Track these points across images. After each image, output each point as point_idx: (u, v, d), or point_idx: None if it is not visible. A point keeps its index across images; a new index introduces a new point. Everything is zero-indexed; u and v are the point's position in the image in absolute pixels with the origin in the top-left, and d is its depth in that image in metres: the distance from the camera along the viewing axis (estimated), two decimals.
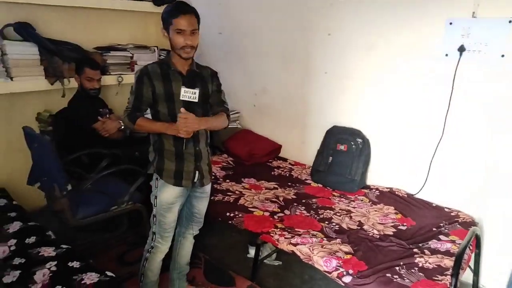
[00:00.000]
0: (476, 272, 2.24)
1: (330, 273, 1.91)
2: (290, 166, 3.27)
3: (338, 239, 2.14)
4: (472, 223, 2.31)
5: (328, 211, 2.49)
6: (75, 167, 2.46)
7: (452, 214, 2.41)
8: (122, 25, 3.41)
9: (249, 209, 2.45)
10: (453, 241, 2.12)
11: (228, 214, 2.40)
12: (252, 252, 2.53)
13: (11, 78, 2.54)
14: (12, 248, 1.79)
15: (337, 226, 2.30)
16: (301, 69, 3.18)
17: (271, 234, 2.18)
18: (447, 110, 2.42)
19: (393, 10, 2.56)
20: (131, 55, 3.27)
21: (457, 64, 2.33)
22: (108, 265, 2.14)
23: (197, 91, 1.77)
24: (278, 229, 2.22)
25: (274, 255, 2.57)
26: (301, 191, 2.78)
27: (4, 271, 1.64)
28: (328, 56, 2.98)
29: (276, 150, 3.46)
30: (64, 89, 2.78)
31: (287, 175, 3.09)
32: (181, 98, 1.75)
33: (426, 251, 2.05)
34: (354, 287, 1.83)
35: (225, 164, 3.24)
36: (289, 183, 2.91)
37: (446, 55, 2.38)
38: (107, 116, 2.76)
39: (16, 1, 2.61)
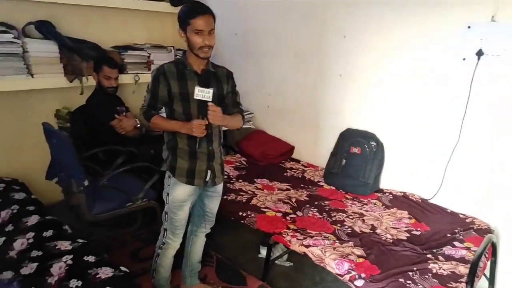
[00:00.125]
0: (491, 280, 2.21)
1: (342, 276, 1.90)
2: (303, 167, 3.27)
3: (350, 242, 2.13)
4: (488, 230, 2.27)
5: (340, 213, 2.48)
6: (91, 164, 2.50)
7: (467, 220, 2.37)
8: (140, 25, 3.47)
9: (262, 209, 2.46)
10: (468, 248, 2.09)
11: (240, 213, 2.41)
12: (263, 252, 2.54)
13: (32, 75, 2.60)
14: (30, 240, 1.83)
15: (349, 229, 2.29)
16: (315, 70, 3.18)
17: (283, 235, 2.18)
18: (464, 115, 2.38)
19: (410, 13, 2.54)
20: (148, 54, 3.32)
21: (475, 69, 2.30)
22: (122, 260, 2.17)
23: (211, 90, 1.78)
24: (290, 230, 2.22)
25: (286, 256, 2.57)
26: (314, 193, 2.78)
27: (22, 263, 1.68)
28: (343, 58, 2.97)
29: (289, 152, 3.47)
30: (83, 86, 2.83)
31: (300, 176, 3.08)
32: (194, 97, 1.76)
33: (440, 257, 2.03)
34: None
35: (238, 164, 3.26)
36: (302, 185, 2.91)
37: (464, 59, 2.34)
38: (124, 114, 2.81)
39: (38, 0, 2.68)
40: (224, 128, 2.08)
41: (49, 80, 2.71)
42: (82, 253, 1.73)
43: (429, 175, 2.62)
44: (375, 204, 2.64)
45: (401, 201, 2.65)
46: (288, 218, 2.37)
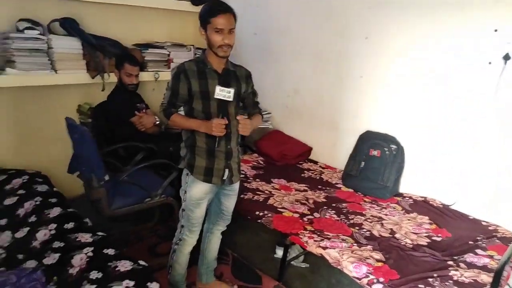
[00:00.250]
0: None
1: (359, 279, 1.88)
2: (321, 169, 3.24)
3: (369, 246, 2.10)
4: None
5: (358, 216, 2.45)
6: (112, 159, 2.54)
7: (490, 228, 2.31)
8: (161, 23, 3.50)
9: (278, 209, 2.45)
10: (491, 256, 2.04)
11: (257, 213, 2.41)
12: (279, 252, 2.53)
13: (56, 71, 2.66)
14: (52, 232, 1.86)
15: (368, 232, 2.26)
16: (335, 72, 3.15)
17: (300, 236, 2.17)
18: (489, 121, 2.32)
19: (434, 15, 2.49)
20: (168, 52, 3.35)
21: (501, 73, 2.24)
22: (140, 255, 2.18)
23: (232, 90, 1.80)
24: (307, 231, 2.20)
25: (302, 257, 2.55)
26: (332, 195, 2.75)
27: (45, 253, 1.71)
28: (364, 59, 2.94)
29: (306, 152, 3.44)
30: (104, 83, 2.88)
31: (318, 178, 3.06)
32: (215, 96, 1.78)
33: (462, 265, 1.98)
34: None
35: (255, 163, 3.25)
36: (319, 186, 2.88)
37: (490, 63, 2.29)
38: (144, 111, 2.84)
39: None
40: None
41: (72, 76, 2.77)
42: (102, 246, 1.76)
43: (451, 180, 2.57)
44: (394, 208, 2.60)
45: (422, 206, 2.61)
46: (305, 219, 2.36)
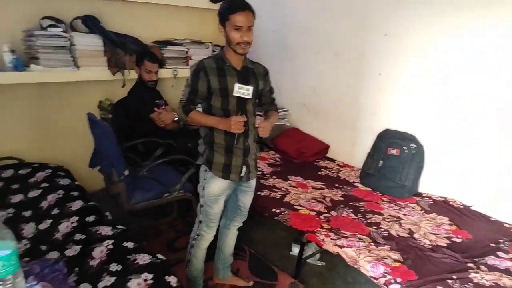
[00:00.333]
0: None
1: (376, 279, 1.86)
2: (338, 167, 3.22)
3: (386, 246, 2.07)
4: None
5: (376, 215, 2.42)
6: (131, 154, 2.58)
7: None
8: (180, 21, 3.53)
9: (295, 207, 2.44)
10: None
11: (274, 210, 2.41)
12: (295, 250, 2.53)
13: (78, 68, 2.72)
14: (74, 224, 1.91)
15: (385, 232, 2.23)
16: (354, 69, 3.11)
17: (317, 234, 2.16)
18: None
19: (458, 11, 2.43)
20: (186, 49, 3.38)
21: None
22: (158, 249, 2.23)
23: (251, 88, 1.80)
24: (324, 230, 2.19)
25: (318, 255, 2.54)
26: (349, 193, 2.73)
27: (67, 245, 1.76)
28: (383, 57, 2.90)
29: (324, 150, 3.42)
30: (125, 79, 2.93)
31: (335, 176, 3.04)
32: (234, 94, 1.78)
33: (482, 267, 1.93)
34: None
35: (272, 160, 3.26)
36: (337, 184, 2.86)
37: None
38: (163, 107, 2.87)
39: None
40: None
41: (93, 73, 2.83)
42: (122, 239, 1.79)
43: (472, 181, 2.51)
44: (413, 208, 2.56)
45: (442, 206, 2.56)
46: (322, 217, 2.34)
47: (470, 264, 1.96)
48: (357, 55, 3.06)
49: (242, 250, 2.55)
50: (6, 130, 2.68)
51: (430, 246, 2.11)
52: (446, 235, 2.23)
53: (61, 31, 2.58)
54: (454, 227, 2.31)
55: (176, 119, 2.80)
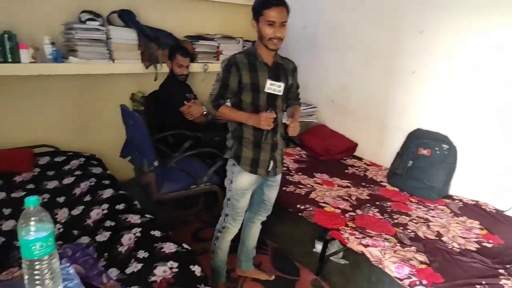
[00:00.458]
0: None
1: (401, 280, 1.83)
2: (366, 166, 3.17)
3: (413, 247, 2.03)
4: None
5: (403, 216, 2.37)
6: (161, 146, 2.65)
7: None
8: (212, 15, 3.56)
9: (320, 204, 2.44)
10: None
11: (298, 206, 2.41)
12: (318, 247, 2.52)
13: (113, 60, 2.80)
14: (105, 211, 1.99)
15: (412, 233, 2.19)
16: (385, 67, 3.05)
17: (341, 232, 2.14)
18: None
19: (498, 6, 2.32)
20: (217, 44, 3.41)
21: None
22: (184, 239, 2.28)
23: (282, 84, 1.80)
24: (349, 228, 2.17)
25: (341, 253, 2.53)
26: (376, 193, 2.69)
27: (97, 231, 1.84)
28: (417, 54, 2.82)
29: (351, 148, 3.38)
30: (157, 73, 3.00)
31: (362, 174, 3.00)
32: (266, 90, 1.79)
33: None
34: None
35: (298, 157, 3.25)
36: (363, 183, 2.82)
37: None
38: (193, 101, 2.92)
39: None
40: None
41: (127, 66, 2.91)
42: (150, 228, 1.85)
43: (506, 185, 2.41)
44: (442, 210, 2.49)
45: (472, 210, 2.47)
46: (347, 215, 2.33)
47: (501, 270, 1.89)
48: (388, 52, 3.00)
49: (265, 244, 2.57)
50: (43, 119, 2.81)
51: (459, 250, 2.05)
52: (476, 239, 2.16)
53: (99, 25, 2.67)
54: (485, 232, 2.24)
55: (205, 113, 2.84)
